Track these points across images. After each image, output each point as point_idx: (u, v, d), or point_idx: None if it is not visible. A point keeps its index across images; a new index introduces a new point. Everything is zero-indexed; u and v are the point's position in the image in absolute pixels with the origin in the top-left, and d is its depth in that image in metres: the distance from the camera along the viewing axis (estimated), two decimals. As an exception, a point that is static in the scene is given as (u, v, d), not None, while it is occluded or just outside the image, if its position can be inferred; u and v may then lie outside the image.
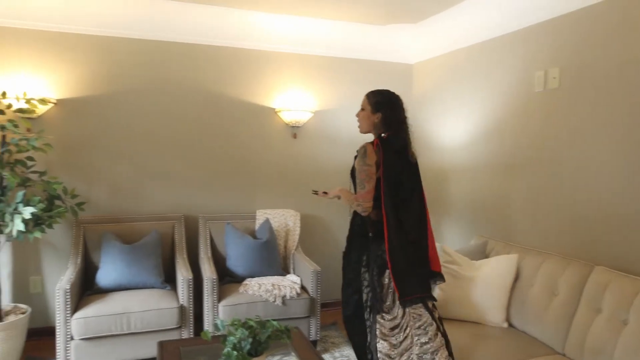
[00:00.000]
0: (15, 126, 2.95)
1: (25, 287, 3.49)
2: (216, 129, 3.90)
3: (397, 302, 2.25)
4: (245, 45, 3.91)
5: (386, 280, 2.27)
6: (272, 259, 3.59)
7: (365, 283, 2.38)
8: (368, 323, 2.34)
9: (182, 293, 3.08)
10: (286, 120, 4.03)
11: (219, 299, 3.15)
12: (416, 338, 2.22)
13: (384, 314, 2.27)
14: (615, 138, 2.52)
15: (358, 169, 2.29)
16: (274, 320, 2.06)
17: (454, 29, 3.75)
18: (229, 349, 1.85)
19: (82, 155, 3.56)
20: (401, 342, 2.24)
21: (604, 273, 2.36)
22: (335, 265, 4.10)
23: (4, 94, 2.98)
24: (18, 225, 2.71)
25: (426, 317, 2.24)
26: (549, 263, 2.65)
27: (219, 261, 3.58)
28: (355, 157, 2.36)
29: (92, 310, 2.88)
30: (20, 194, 2.86)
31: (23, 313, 3.13)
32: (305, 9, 3.69)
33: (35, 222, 2.97)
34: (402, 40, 4.23)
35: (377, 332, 2.25)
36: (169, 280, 3.37)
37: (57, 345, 2.85)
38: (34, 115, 3.30)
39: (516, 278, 2.77)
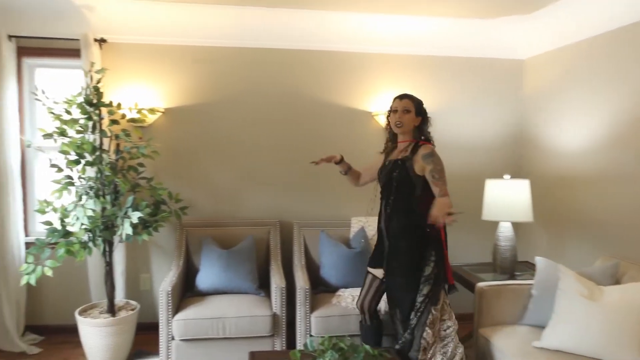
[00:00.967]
0: (128, 135, 3.16)
1: (136, 284, 3.75)
2: (312, 134, 3.86)
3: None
4: (342, 48, 3.82)
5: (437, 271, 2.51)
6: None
7: (430, 275, 2.49)
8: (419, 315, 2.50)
9: (276, 301, 3.07)
10: (383, 124, 3.85)
11: (312, 310, 3.08)
12: (446, 326, 2.57)
13: (436, 305, 2.51)
14: None
15: (439, 168, 2.43)
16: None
17: (574, 18, 3.29)
18: (319, 373, 1.74)
19: (186, 161, 3.73)
20: (439, 330, 2.55)
21: None
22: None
23: (119, 105, 3.21)
24: (127, 229, 2.88)
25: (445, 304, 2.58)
26: None
27: (312, 269, 3.52)
28: (403, 160, 2.50)
29: (192, 312, 2.98)
30: (130, 199, 3.05)
31: (133, 309, 3.35)
32: (404, 7, 3.49)
33: (143, 225, 3.16)
34: (512, 34, 3.83)
35: (428, 321, 2.47)
36: (263, 286, 3.38)
37: (160, 344, 2.99)
38: (145, 124, 3.53)
39: (657, 311, 2.31)
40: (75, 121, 3.04)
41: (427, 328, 2.47)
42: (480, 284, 2.92)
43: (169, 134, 3.68)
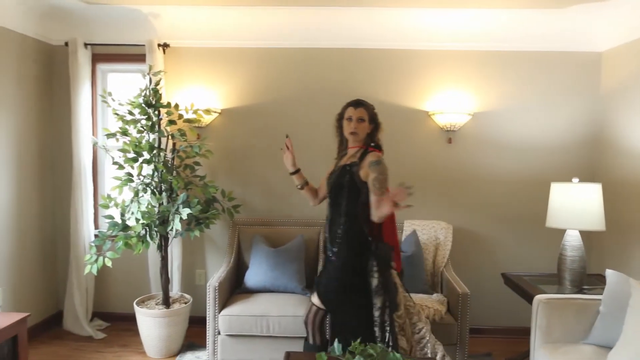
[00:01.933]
0: (183, 135, 3.29)
1: (192, 279, 3.89)
2: (364, 134, 3.78)
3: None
4: (397, 45, 3.71)
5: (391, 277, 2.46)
6: (417, 274, 3.30)
7: (380, 286, 2.42)
8: (384, 325, 2.42)
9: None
10: (440, 124, 3.69)
11: (356, 313, 2.99)
12: (417, 329, 2.55)
13: (397, 312, 2.45)
14: None
15: (379, 177, 2.38)
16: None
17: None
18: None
19: (241, 161, 3.81)
20: (413, 334, 2.54)
21: None
22: (490, 288, 3.62)
23: (176, 105, 3.36)
24: (177, 225, 3.00)
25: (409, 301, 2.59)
26: None
27: (361, 272, 3.44)
28: (350, 165, 2.47)
29: (237, 309, 3.03)
30: (182, 196, 3.18)
31: (186, 302, 3.48)
32: (464, 0, 3.31)
33: (195, 222, 3.27)
34: (585, 24, 3.50)
35: (397, 329, 2.42)
36: (311, 286, 3.36)
37: (207, 337, 3.07)
38: (202, 125, 3.66)
39: None
40: (136, 121, 3.22)
41: (398, 337, 2.42)
42: (540, 296, 2.67)
43: (225, 134, 3.78)
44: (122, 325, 3.89)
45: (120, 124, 3.24)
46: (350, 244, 2.43)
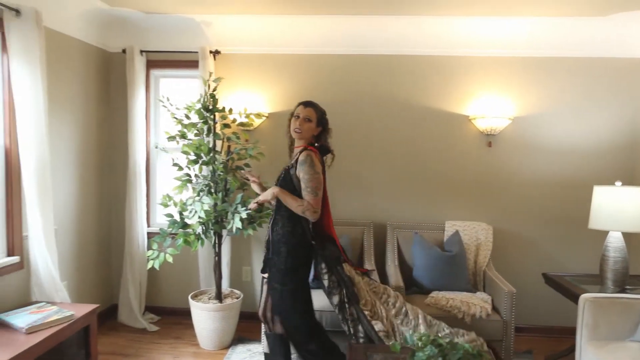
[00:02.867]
0: (238, 137, 3.47)
1: (239, 275, 4.07)
2: (407, 137, 3.92)
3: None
4: (439, 52, 3.83)
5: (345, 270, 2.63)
6: (460, 273, 3.43)
7: (332, 284, 2.61)
8: (349, 319, 2.60)
9: (369, 298, 3.17)
10: (480, 128, 3.81)
11: (405, 309, 3.13)
12: (390, 304, 2.74)
13: (360, 302, 2.61)
14: None
15: (308, 177, 2.45)
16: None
17: None
18: (419, 365, 1.82)
19: (284, 163, 3.95)
20: (388, 313, 2.68)
21: None
22: (530, 288, 3.72)
23: (230, 110, 3.53)
24: (237, 224, 3.17)
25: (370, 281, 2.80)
26: None
27: (405, 270, 3.57)
28: (290, 166, 2.54)
29: (291, 303, 3.18)
30: (239, 196, 3.35)
31: (237, 298, 3.65)
32: (505, 9, 3.43)
33: (248, 221, 3.44)
34: (626, 31, 3.59)
35: (368, 317, 2.57)
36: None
37: (263, 332, 3.23)
38: (251, 128, 3.83)
39: None
40: (193, 125, 3.40)
41: (373, 322, 2.56)
42: (586, 295, 2.78)
43: (272, 137, 3.94)
44: (173, 319, 4.08)
45: (175, 127, 3.43)
46: (288, 244, 2.54)
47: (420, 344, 1.94)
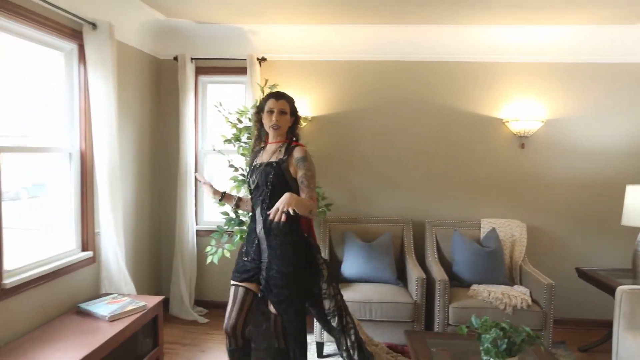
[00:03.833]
0: (288, 140, 3.69)
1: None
2: (443, 139, 4.13)
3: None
4: (473, 58, 4.04)
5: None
6: (498, 268, 3.64)
7: (325, 290, 2.51)
8: (339, 327, 2.54)
9: (416, 291, 3.38)
10: (514, 131, 4.01)
11: (450, 301, 3.35)
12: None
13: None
14: None
15: (310, 174, 2.37)
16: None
17: None
18: (488, 345, 2.03)
19: (328, 163, 4.19)
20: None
21: None
22: (562, 282, 3.92)
23: (280, 115, 3.75)
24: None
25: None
26: None
27: (444, 265, 3.78)
28: (278, 162, 2.38)
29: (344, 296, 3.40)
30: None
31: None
32: (536, 17, 3.63)
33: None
34: (655, 39, 3.79)
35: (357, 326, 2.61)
36: (399, 278, 3.72)
37: (315, 324, 3.44)
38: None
39: None
40: (247, 128, 3.62)
41: (350, 313, 2.61)
42: (624, 287, 2.99)
43: (314, 139, 4.16)
44: (220, 311, 4.29)
45: (230, 130, 3.66)
46: (293, 243, 2.37)
47: (483, 327, 2.15)
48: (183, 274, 4.16)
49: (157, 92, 4.27)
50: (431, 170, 4.17)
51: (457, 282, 3.64)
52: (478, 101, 4.08)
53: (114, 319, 2.86)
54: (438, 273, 3.48)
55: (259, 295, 2.48)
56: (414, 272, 3.49)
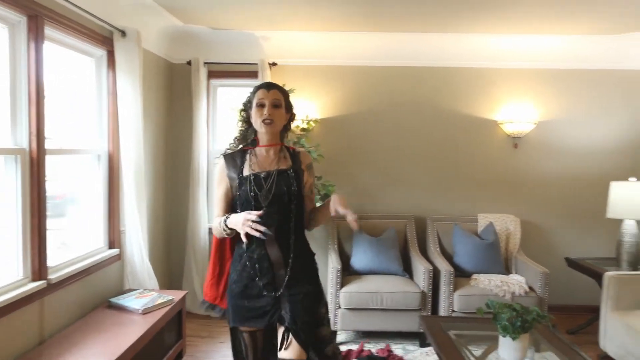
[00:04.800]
0: (301, 141, 3.91)
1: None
2: (443, 140, 4.42)
3: None
4: (470, 64, 4.35)
5: None
6: (496, 259, 3.95)
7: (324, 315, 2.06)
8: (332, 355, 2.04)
9: (423, 281, 3.66)
10: (508, 132, 4.34)
11: (454, 289, 3.64)
12: None
13: None
14: None
15: (313, 183, 2.09)
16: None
17: None
18: (505, 322, 2.31)
19: (334, 163, 4.42)
20: None
21: None
22: (553, 272, 4.24)
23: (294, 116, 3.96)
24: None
25: None
26: None
27: (445, 257, 4.06)
28: (293, 171, 1.99)
29: (355, 287, 3.65)
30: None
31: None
32: (527, 27, 3.94)
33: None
34: (635, 48, 4.15)
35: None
36: (405, 269, 3.99)
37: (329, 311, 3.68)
38: (306, 133, 4.27)
39: None
40: (262, 131, 3.82)
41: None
42: (610, 273, 3.33)
43: (321, 140, 4.38)
44: (231, 305, 4.49)
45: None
46: (313, 262, 2.09)
47: (499, 308, 2.43)
48: (196, 270, 4.33)
49: (170, 95, 4.42)
50: (432, 169, 4.45)
51: (458, 273, 3.92)
52: (475, 104, 4.39)
53: (147, 311, 3.02)
54: (442, 264, 3.76)
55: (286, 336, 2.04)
56: (420, 264, 3.76)
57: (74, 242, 3.20)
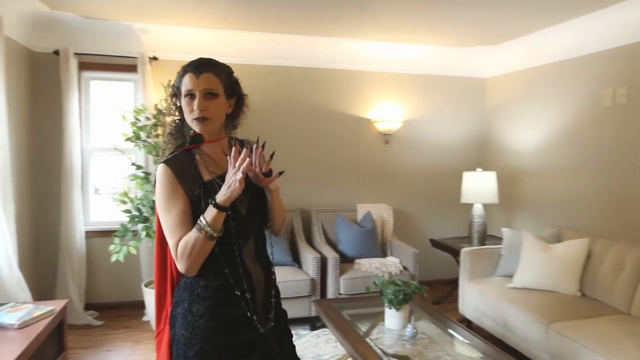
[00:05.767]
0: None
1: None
2: (323, 137, 4.73)
3: None
4: (348, 67, 4.72)
5: None
6: (374, 244, 4.38)
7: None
8: None
9: (312, 269, 3.91)
10: (380, 129, 4.81)
11: (340, 274, 3.96)
12: None
13: None
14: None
15: None
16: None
17: (529, 51, 4.42)
18: (391, 296, 2.64)
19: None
20: None
21: (663, 252, 3.01)
22: (421, 252, 4.85)
23: (178, 113, 3.89)
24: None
25: None
26: (617, 245, 3.30)
27: (330, 245, 4.37)
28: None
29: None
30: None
31: (188, 282, 4.05)
32: (396, 36, 4.44)
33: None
34: (478, 59, 4.93)
35: None
36: (294, 260, 4.20)
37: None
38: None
39: (588, 257, 3.43)
40: (146, 127, 3.70)
41: None
42: (466, 249, 3.95)
43: (207, 137, 4.37)
44: (113, 312, 4.25)
45: (130, 128, 3.69)
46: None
47: (384, 285, 2.77)
48: (72, 277, 4.01)
49: (35, 87, 3.98)
50: (314, 164, 4.73)
51: (343, 259, 4.26)
52: (351, 104, 4.78)
53: (24, 325, 2.75)
54: (329, 252, 4.06)
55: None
56: (309, 253, 4.01)
57: None
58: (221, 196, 1.41)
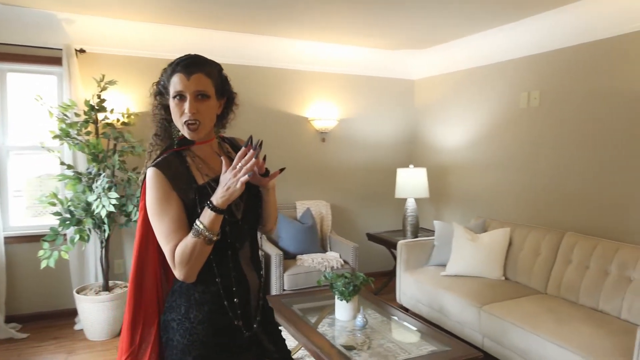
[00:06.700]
0: (122, 136, 3.69)
1: (112, 269, 4.19)
2: (261, 135, 4.55)
3: None
4: (285, 66, 4.77)
5: None
6: (315, 239, 4.48)
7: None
8: None
9: (256, 266, 3.91)
10: (317, 127, 4.92)
11: (284, 271, 4.00)
12: None
13: None
14: (580, 143, 3.60)
15: None
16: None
17: (454, 55, 4.76)
18: (342, 288, 2.74)
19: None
20: None
21: (572, 236, 3.42)
22: (359, 246, 5.05)
23: (112, 110, 3.71)
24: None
25: None
26: (534, 233, 3.69)
27: (272, 243, 4.41)
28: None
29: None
30: (138, 190, 3.61)
31: (124, 287, 3.88)
32: (332, 37, 4.58)
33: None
34: (407, 62, 5.21)
35: None
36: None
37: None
38: (131, 126, 4.01)
39: (509, 244, 3.80)
40: (76, 124, 3.48)
41: None
42: (402, 241, 4.18)
43: (145, 135, 4.17)
44: (39, 323, 3.94)
45: (58, 125, 3.45)
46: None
47: (334, 278, 2.87)
48: (-10, 288, 3.66)
49: (-61, 78, 3.58)
50: (253, 162, 4.72)
51: (285, 255, 4.31)
52: (290, 102, 4.83)
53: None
54: (271, 249, 4.09)
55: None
56: (251, 251, 4.00)
57: None
58: (218, 198, 1.37)
